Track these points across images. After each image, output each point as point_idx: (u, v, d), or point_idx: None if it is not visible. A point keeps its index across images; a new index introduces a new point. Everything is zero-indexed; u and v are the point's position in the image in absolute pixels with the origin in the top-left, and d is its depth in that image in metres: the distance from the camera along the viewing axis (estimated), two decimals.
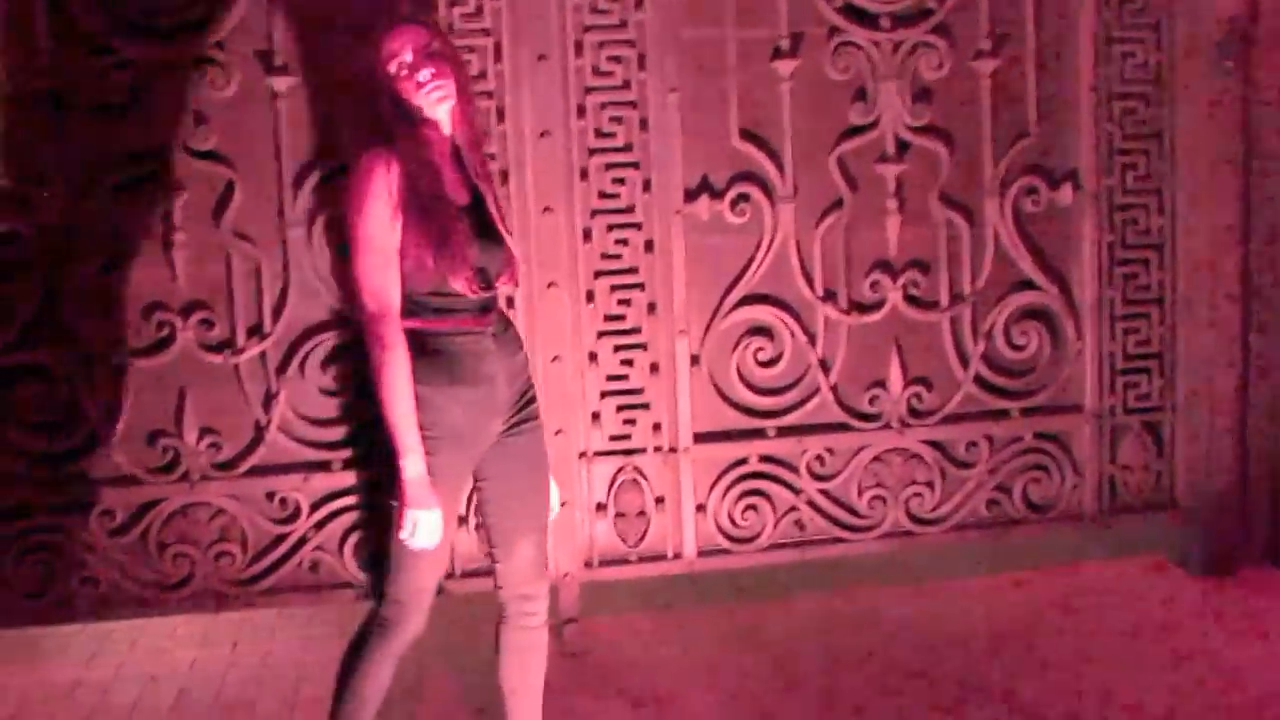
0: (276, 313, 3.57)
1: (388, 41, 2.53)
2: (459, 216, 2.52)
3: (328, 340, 3.61)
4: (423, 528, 2.48)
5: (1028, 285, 3.94)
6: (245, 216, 3.53)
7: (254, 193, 3.53)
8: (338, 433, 3.65)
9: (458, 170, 2.60)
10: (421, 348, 2.49)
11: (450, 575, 3.68)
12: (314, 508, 3.63)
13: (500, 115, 3.61)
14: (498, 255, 2.59)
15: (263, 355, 3.59)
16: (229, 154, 3.51)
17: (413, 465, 2.46)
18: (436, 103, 2.52)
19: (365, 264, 2.45)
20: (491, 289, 2.57)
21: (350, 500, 3.65)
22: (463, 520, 3.65)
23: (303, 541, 3.64)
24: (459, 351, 2.53)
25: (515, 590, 2.70)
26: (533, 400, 2.71)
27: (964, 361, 3.91)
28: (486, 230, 2.59)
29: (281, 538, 3.63)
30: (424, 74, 2.49)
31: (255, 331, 3.58)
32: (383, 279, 2.45)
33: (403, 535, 2.49)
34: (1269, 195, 3.93)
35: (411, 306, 2.50)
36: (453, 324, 2.53)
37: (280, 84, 3.51)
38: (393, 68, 2.52)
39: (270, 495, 3.62)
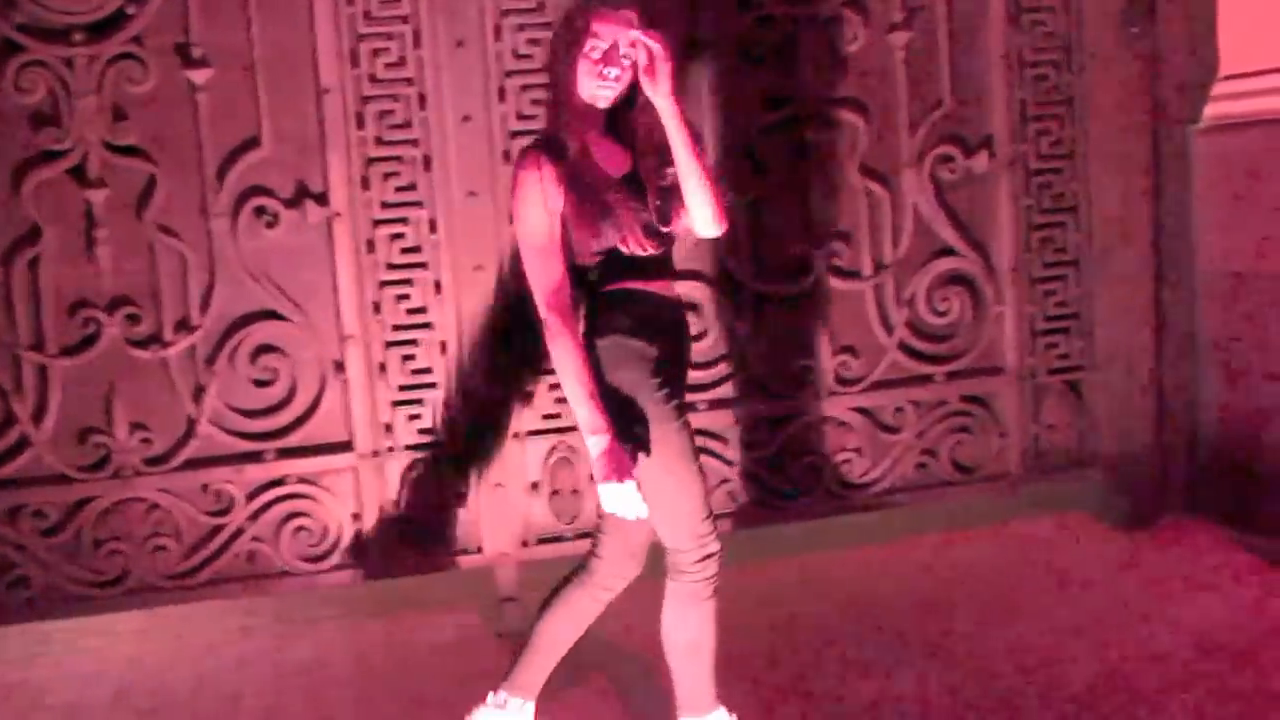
0: (204, 305, 3.58)
1: (596, 21, 2.55)
2: (617, 187, 2.58)
3: (256, 331, 3.62)
4: (612, 500, 2.51)
5: (948, 252, 4.02)
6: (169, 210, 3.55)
7: (176, 186, 3.54)
8: (270, 423, 3.66)
9: (616, 140, 2.65)
10: (622, 302, 2.59)
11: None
12: (249, 498, 3.65)
13: (421, 101, 3.63)
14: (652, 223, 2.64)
15: (191, 349, 3.59)
16: (149, 148, 3.52)
17: (596, 444, 2.52)
18: (600, 97, 2.58)
19: (528, 262, 2.59)
20: (659, 248, 2.62)
21: (285, 489, 3.67)
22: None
23: (239, 532, 3.65)
24: (643, 304, 2.61)
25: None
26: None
27: (888, 329, 3.99)
28: (646, 201, 2.62)
29: (217, 529, 3.64)
30: (610, 71, 2.55)
31: (183, 325, 3.58)
32: (544, 272, 2.56)
33: (604, 506, 2.54)
34: (1176, 156, 4.03)
35: (604, 271, 2.59)
36: (633, 283, 2.60)
37: (199, 77, 3.51)
38: (587, 46, 2.55)
39: (204, 488, 3.63)
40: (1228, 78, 3.92)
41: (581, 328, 2.62)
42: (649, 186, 2.61)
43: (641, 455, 2.56)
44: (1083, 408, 4.16)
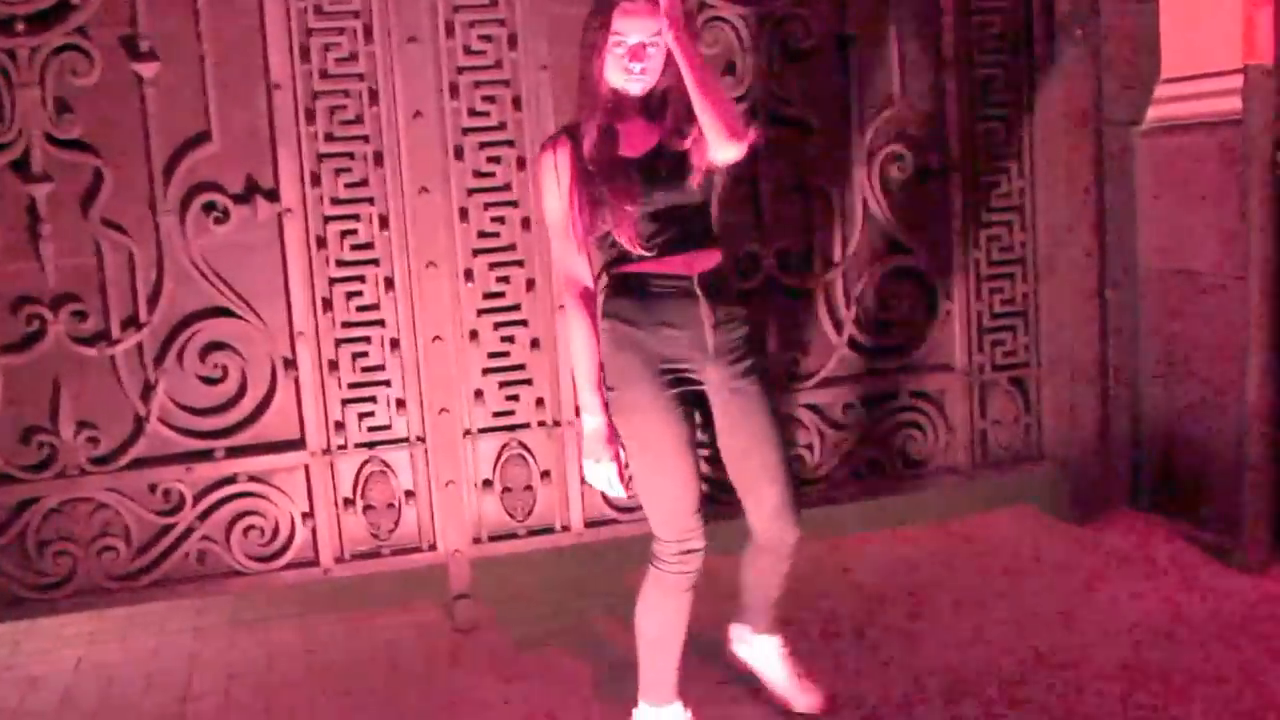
0: (152, 302, 3.54)
1: (619, 18, 2.53)
2: (626, 175, 2.59)
3: (206, 328, 3.58)
4: (592, 476, 2.75)
5: (897, 249, 4.07)
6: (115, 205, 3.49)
7: (124, 181, 3.49)
8: (220, 421, 3.63)
9: (649, 118, 2.66)
10: (625, 287, 2.67)
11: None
12: (198, 497, 3.61)
13: (373, 97, 3.61)
14: (668, 199, 2.62)
15: (139, 346, 3.55)
16: (95, 142, 3.46)
17: (585, 421, 2.72)
18: (630, 89, 2.60)
19: (552, 242, 2.77)
20: (649, 249, 2.61)
21: (236, 488, 3.63)
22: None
23: (189, 532, 3.61)
24: (647, 288, 2.64)
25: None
26: (746, 349, 2.72)
27: (838, 325, 4.02)
28: (664, 175, 2.61)
29: (167, 529, 3.60)
30: (635, 66, 2.55)
31: (131, 322, 3.54)
32: (560, 253, 2.75)
33: (586, 478, 2.80)
34: (1120, 157, 4.10)
35: (615, 252, 2.66)
36: (642, 266, 2.64)
37: (146, 70, 3.46)
38: (613, 41, 2.55)
39: (153, 487, 3.58)
40: (1169, 80, 4.00)
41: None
42: (663, 155, 2.61)
43: (630, 441, 2.66)
44: (1029, 404, 4.23)
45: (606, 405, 2.69)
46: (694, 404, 2.73)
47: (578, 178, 2.62)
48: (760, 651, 3.08)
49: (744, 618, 3.09)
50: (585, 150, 2.62)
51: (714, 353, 2.67)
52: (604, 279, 2.73)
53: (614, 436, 2.69)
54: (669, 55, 2.56)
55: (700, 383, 2.70)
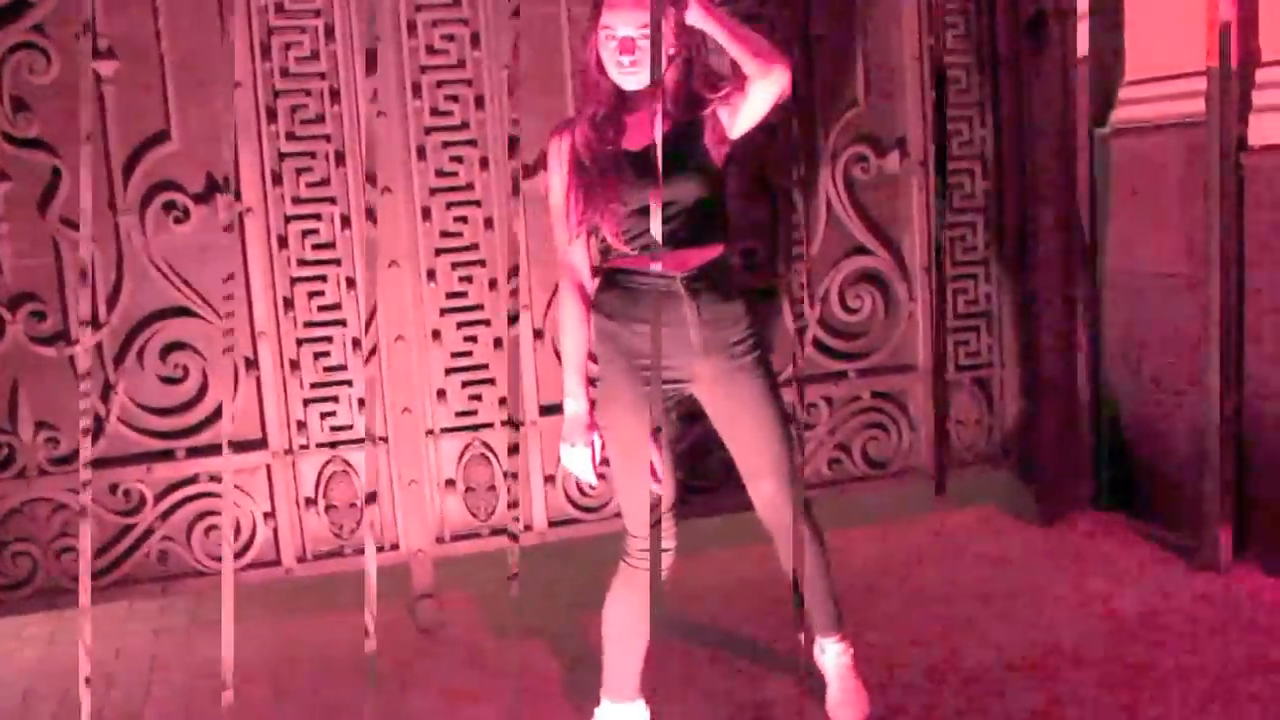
0: (111, 302, 3.52)
1: (607, 10, 2.54)
2: (616, 169, 2.60)
3: (166, 328, 3.57)
4: (567, 460, 2.74)
5: (860, 250, 4.07)
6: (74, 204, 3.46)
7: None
8: (181, 421, 3.62)
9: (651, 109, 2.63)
10: (612, 282, 2.70)
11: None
12: (159, 497, 3.60)
13: (334, 96, 3.60)
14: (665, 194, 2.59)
15: (99, 346, 3.53)
16: (53, 141, 3.44)
17: (567, 405, 2.72)
18: (625, 85, 2.59)
19: (553, 227, 2.75)
20: (638, 241, 2.61)
21: (197, 488, 3.62)
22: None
23: (149, 532, 3.61)
24: (641, 289, 2.64)
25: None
26: (744, 344, 2.73)
27: (801, 326, 4.02)
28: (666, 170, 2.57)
29: (127, 529, 3.59)
30: (625, 59, 2.55)
31: (90, 322, 3.51)
32: (559, 237, 2.73)
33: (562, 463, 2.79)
34: (1084, 158, 4.10)
35: (608, 245, 2.70)
36: (634, 264, 2.65)
37: (105, 68, 3.44)
38: (603, 35, 2.56)
39: (113, 488, 3.57)
40: (1133, 82, 4.01)
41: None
42: (666, 146, 2.57)
43: (608, 434, 2.69)
44: (992, 404, 4.24)
45: (589, 392, 2.72)
46: (680, 403, 2.77)
47: (574, 168, 2.65)
48: (826, 656, 3.02)
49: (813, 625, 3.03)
50: (577, 141, 2.64)
51: (702, 350, 2.68)
52: (599, 269, 2.77)
53: (593, 423, 2.72)
54: (673, 45, 2.57)
55: (684, 381, 2.72)
